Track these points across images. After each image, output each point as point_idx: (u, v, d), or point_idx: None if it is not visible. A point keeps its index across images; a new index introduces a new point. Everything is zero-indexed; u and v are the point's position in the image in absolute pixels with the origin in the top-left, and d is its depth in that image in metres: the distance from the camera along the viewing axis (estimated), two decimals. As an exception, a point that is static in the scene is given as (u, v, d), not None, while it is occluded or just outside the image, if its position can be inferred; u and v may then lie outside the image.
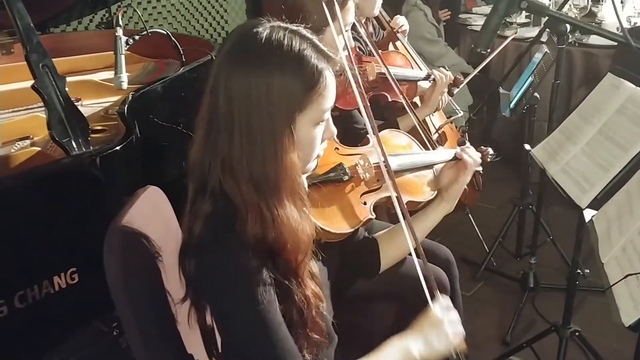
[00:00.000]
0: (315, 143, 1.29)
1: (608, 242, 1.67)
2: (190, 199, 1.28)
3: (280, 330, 1.23)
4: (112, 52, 2.62)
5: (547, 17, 2.52)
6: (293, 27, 1.26)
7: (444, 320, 1.38)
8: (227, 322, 1.26)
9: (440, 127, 2.83)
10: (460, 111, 3.16)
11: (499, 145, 4.77)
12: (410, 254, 1.53)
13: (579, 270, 2.24)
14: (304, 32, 1.26)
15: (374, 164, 1.59)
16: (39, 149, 1.94)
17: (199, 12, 4.23)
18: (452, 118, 3.02)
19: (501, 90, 3.07)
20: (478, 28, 4.43)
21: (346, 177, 1.55)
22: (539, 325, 2.81)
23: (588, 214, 1.88)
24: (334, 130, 1.34)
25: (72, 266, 1.71)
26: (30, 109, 2.43)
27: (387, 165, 1.49)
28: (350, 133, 1.65)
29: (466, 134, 3.10)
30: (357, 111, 2.33)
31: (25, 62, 2.69)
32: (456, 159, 1.76)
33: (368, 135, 1.69)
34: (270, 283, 1.22)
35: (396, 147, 1.82)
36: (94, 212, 1.78)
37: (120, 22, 2.42)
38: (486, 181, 2.62)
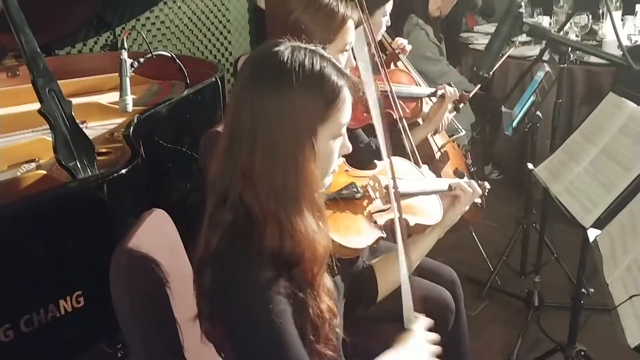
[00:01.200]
0: (333, 157, 1.34)
1: (613, 262, 1.68)
2: (209, 213, 1.31)
3: (294, 341, 1.23)
4: (117, 74, 2.66)
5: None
6: (312, 47, 1.32)
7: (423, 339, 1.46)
8: (241, 333, 1.26)
9: (442, 146, 2.85)
10: (463, 130, 3.17)
11: (502, 164, 4.80)
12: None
13: (583, 290, 2.24)
14: (322, 51, 1.32)
15: (384, 185, 1.63)
16: (44, 172, 1.96)
17: (203, 34, 4.26)
18: (455, 137, 3.03)
19: (503, 109, 3.08)
20: (480, 47, 4.46)
21: (358, 195, 1.59)
22: (544, 344, 2.79)
23: (592, 234, 1.88)
24: (350, 146, 1.39)
25: (77, 289, 1.72)
26: (36, 131, 2.45)
27: (395, 187, 1.51)
28: (356, 154, 1.68)
29: (469, 153, 3.12)
30: (362, 130, 2.36)
31: (30, 85, 2.74)
32: (451, 189, 1.81)
33: (375, 161, 1.73)
34: (285, 295, 1.23)
35: (401, 173, 1.85)
36: (99, 235, 1.79)
37: (125, 45, 2.44)
38: (489, 199, 2.63)
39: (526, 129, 2.97)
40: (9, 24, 1.80)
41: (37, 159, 2.18)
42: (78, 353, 1.83)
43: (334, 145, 1.32)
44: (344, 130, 1.34)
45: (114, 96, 2.82)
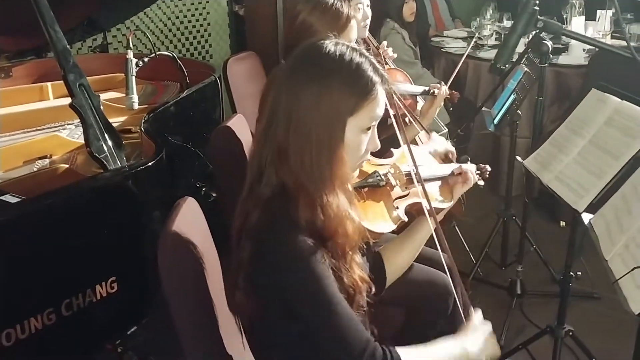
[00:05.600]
0: (361, 149, 1.42)
1: (609, 240, 1.81)
2: (247, 187, 1.42)
3: (341, 300, 1.33)
4: (108, 75, 2.73)
5: (530, 38, 2.69)
6: (354, 45, 1.42)
7: (483, 329, 1.57)
8: (289, 297, 1.34)
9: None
10: (445, 128, 3.32)
11: (474, 161, 4.96)
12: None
13: (571, 273, 2.39)
14: (363, 50, 1.42)
15: (404, 171, 1.73)
16: (67, 165, 2.01)
17: (185, 37, 4.34)
18: (437, 134, 3.16)
19: (484, 109, 3.24)
20: (452, 50, 4.63)
21: (382, 183, 1.69)
22: (529, 329, 2.94)
23: (586, 217, 2.02)
24: (378, 144, 1.47)
25: (112, 275, 1.78)
26: (40, 129, 2.49)
27: (417, 173, 1.62)
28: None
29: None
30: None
31: (24, 86, 2.78)
32: (453, 174, 1.92)
33: (392, 149, 1.84)
34: (325, 260, 1.33)
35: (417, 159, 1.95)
36: (129, 222, 1.85)
37: (131, 45, 2.50)
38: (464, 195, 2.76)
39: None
40: (40, 22, 1.85)
41: (49, 155, 2.23)
42: (108, 338, 1.89)
43: (362, 137, 1.41)
44: (374, 126, 1.43)
45: (107, 96, 2.88)
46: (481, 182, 2.01)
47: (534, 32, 2.17)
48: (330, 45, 1.38)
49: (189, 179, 2.51)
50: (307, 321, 1.35)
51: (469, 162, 2.01)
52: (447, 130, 3.31)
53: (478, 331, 1.56)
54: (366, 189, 1.67)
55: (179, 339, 1.43)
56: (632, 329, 1.89)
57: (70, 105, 1.88)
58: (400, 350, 1.37)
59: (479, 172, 2.01)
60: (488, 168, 2.09)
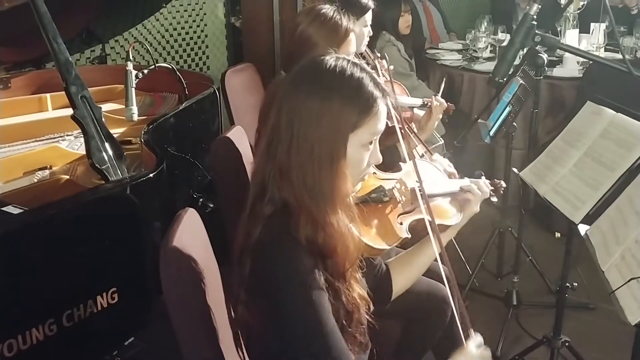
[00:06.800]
0: (363, 164, 1.42)
1: (606, 251, 1.84)
2: (249, 203, 1.41)
3: (331, 323, 1.33)
4: (107, 86, 2.74)
5: (526, 51, 2.72)
6: (355, 60, 1.42)
7: (479, 355, 1.50)
8: (282, 315, 1.34)
9: (422, 155, 3.00)
10: (441, 139, 3.34)
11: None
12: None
13: (568, 284, 2.41)
14: (364, 65, 1.42)
15: (410, 188, 1.74)
16: (67, 176, 2.02)
17: (182, 49, 4.37)
18: (433, 146, 3.19)
19: (480, 120, 3.27)
20: (447, 62, 4.67)
21: (386, 199, 1.69)
22: (525, 340, 2.95)
23: (582, 228, 2.05)
24: (380, 157, 1.47)
25: (112, 286, 1.79)
26: (39, 140, 2.51)
27: (421, 189, 1.63)
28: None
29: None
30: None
31: (23, 97, 2.79)
32: (463, 190, 1.90)
33: (400, 163, 1.85)
34: (322, 280, 1.33)
35: (422, 175, 1.95)
36: (129, 233, 1.86)
37: (131, 57, 2.52)
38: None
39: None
40: (42, 34, 1.87)
41: (49, 166, 2.24)
42: (107, 349, 1.89)
43: (364, 153, 1.41)
44: (375, 140, 1.43)
45: (106, 107, 2.89)
46: (494, 199, 2.00)
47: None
48: (330, 60, 1.38)
49: (187, 190, 2.52)
50: (295, 340, 1.34)
51: (482, 178, 1.99)
52: (442, 142, 3.33)
53: (472, 356, 1.50)
54: (369, 204, 1.67)
55: (177, 350, 1.44)
56: (628, 339, 1.91)
57: (72, 117, 1.89)
58: None
59: (492, 187, 2.00)
60: (503, 184, 2.06)
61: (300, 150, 1.34)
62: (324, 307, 1.33)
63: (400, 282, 1.82)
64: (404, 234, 1.70)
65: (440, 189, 1.89)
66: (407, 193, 1.75)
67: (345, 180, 1.36)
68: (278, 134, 1.37)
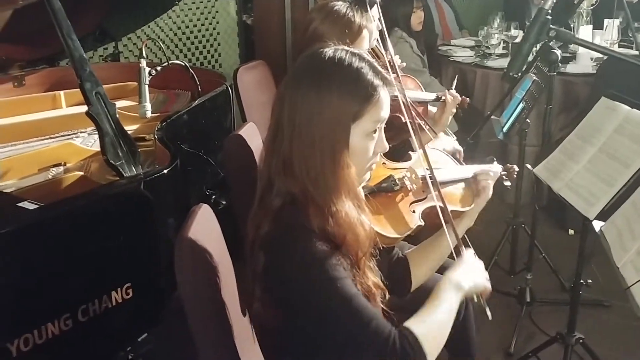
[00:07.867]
0: (368, 153, 1.42)
1: (621, 247, 1.82)
2: (258, 198, 1.42)
3: (360, 296, 1.32)
4: (120, 84, 2.75)
5: (539, 47, 2.71)
6: (355, 50, 1.42)
7: (474, 263, 1.58)
8: (307, 306, 1.34)
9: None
10: (453, 135, 3.33)
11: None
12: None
13: (582, 281, 2.39)
14: (364, 54, 1.43)
15: (420, 176, 1.74)
16: (81, 173, 2.04)
17: (195, 46, 4.38)
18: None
19: (493, 117, 3.26)
20: (460, 59, 4.66)
21: (397, 187, 1.70)
22: (538, 337, 2.94)
23: (597, 225, 2.03)
24: (386, 145, 1.47)
25: (127, 281, 1.80)
26: (53, 137, 2.52)
27: (432, 177, 1.63)
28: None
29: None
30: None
31: (37, 94, 2.81)
32: (475, 176, 1.91)
33: (410, 152, 1.85)
34: (341, 265, 1.33)
35: (435, 162, 1.96)
36: (144, 229, 1.87)
37: (144, 54, 2.53)
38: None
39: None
40: (57, 31, 1.88)
41: (63, 162, 2.25)
42: (120, 344, 1.91)
43: (368, 142, 1.41)
44: (380, 128, 1.43)
45: (119, 104, 2.90)
46: (507, 183, 2.00)
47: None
48: (329, 51, 1.39)
49: (199, 186, 2.53)
50: (328, 323, 1.33)
51: (495, 163, 1.99)
52: (455, 138, 3.32)
53: (467, 262, 1.56)
54: (380, 194, 1.68)
55: (191, 346, 1.45)
56: (642, 336, 1.90)
57: (87, 114, 1.90)
58: (413, 326, 1.33)
59: (505, 172, 2.00)
60: (516, 168, 2.07)
61: (302, 142, 1.35)
62: (348, 281, 1.32)
63: (420, 272, 1.81)
64: (417, 221, 1.71)
65: (452, 175, 1.89)
66: (418, 181, 1.76)
67: (349, 171, 1.36)
68: (281, 127, 1.38)
